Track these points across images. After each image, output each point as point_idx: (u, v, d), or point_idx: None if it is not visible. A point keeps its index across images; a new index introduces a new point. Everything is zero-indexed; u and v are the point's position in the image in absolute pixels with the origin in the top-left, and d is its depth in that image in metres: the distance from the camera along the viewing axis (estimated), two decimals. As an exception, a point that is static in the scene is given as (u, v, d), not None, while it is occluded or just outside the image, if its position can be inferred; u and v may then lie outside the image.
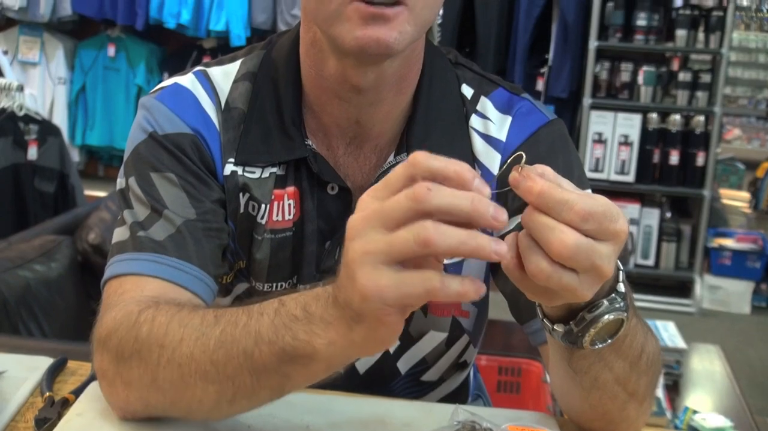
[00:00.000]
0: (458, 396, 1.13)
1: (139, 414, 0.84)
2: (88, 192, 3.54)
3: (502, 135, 1.00)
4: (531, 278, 0.65)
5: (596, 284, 0.66)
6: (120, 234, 0.94)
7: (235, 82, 1.01)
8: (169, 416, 0.84)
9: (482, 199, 0.61)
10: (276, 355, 0.72)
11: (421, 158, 0.63)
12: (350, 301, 0.66)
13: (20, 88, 3.04)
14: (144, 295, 0.87)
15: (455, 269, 1.00)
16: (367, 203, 0.65)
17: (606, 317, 0.73)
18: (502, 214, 0.62)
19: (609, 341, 0.75)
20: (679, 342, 2.58)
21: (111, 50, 4.98)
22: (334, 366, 0.72)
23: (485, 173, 0.98)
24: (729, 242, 4.76)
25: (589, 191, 0.77)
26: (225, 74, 1.01)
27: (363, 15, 0.83)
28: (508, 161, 0.66)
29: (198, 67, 1.03)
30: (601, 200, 0.65)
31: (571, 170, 0.98)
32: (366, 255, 0.63)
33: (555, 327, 0.76)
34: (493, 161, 0.99)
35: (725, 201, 6.10)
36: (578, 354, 0.79)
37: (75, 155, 4.94)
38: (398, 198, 0.62)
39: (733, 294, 4.63)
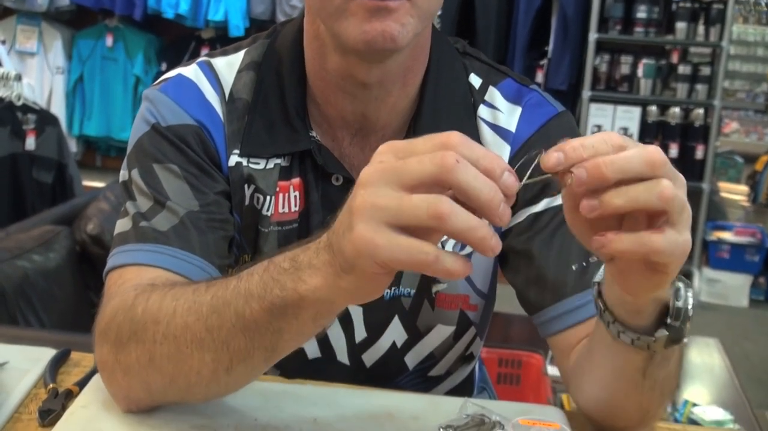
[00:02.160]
0: (464, 389, 1.13)
1: (142, 402, 0.83)
2: (86, 182, 3.53)
3: (511, 126, 0.99)
4: (653, 254, 0.63)
5: (688, 229, 0.64)
6: (122, 225, 0.93)
7: (239, 72, 0.99)
8: (170, 399, 0.83)
9: (499, 194, 0.61)
10: (266, 310, 0.71)
11: (457, 139, 0.62)
12: (343, 249, 0.64)
13: (18, 78, 3.03)
14: (143, 283, 0.86)
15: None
16: (385, 157, 0.64)
17: (692, 300, 0.73)
18: (507, 215, 0.62)
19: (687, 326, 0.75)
20: (679, 335, 2.58)
21: (109, 40, 4.96)
22: (323, 313, 0.71)
23: None
24: (727, 236, 4.76)
25: None
26: (229, 65, 1.00)
27: (367, 8, 0.83)
28: (532, 161, 0.64)
29: (202, 58, 1.02)
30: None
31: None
32: (372, 209, 0.62)
33: (657, 335, 0.74)
34: (501, 150, 0.98)
35: (724, 194, 6.11)
36: (661, 355, 0.77)
37: (72, 145, 4.92)
38: (422, 159, 0.61)
39: (731, 288, 4.63)
